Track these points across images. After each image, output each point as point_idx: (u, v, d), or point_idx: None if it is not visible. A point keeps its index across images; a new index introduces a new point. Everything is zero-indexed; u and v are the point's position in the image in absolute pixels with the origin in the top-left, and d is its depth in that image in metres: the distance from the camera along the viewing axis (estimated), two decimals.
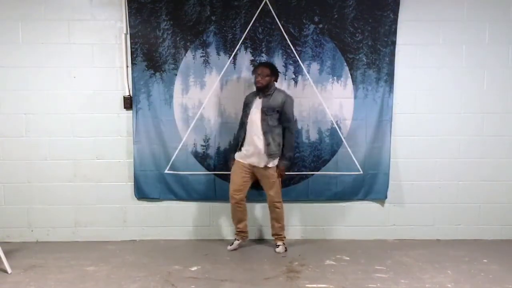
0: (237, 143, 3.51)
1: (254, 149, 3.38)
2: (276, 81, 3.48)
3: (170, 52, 3.67)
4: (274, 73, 3.43)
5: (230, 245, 3.59)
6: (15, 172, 3.76)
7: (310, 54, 3.70)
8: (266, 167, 3.41)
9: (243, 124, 3.49)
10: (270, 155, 3.38)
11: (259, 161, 3.41)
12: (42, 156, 3.75)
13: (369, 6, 3.67)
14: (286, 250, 3.54)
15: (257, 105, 3.41)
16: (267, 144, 3.36)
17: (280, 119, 3.40)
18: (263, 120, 3.37)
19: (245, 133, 3.43)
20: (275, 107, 3.37)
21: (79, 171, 3.79)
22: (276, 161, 3.44)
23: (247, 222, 3.61)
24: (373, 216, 3.89)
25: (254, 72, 3.46)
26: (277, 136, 3.40)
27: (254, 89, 3.48)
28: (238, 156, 3.48)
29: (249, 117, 3.42)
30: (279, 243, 3.58)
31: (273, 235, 3.63)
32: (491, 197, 3.89)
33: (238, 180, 3.46)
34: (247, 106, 3.47)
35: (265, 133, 3.36)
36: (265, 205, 3.59)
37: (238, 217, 3.56)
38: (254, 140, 3.38)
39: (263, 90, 3.39)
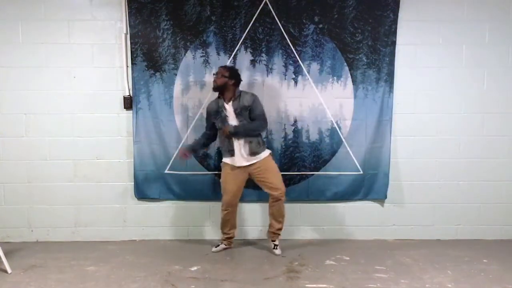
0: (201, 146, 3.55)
1: (238, 151, 3.35)
2: (237, 86, 3.39)
3: (170, 52, 3.67)
4: (233, 77, 3.35)
5: (216, 247, 3.55)
6: (15, 172, 3.76)
7: (310, 54, 3.70)
8: (257, 162, 3.37)
9: (209, 134, 3.50)
10: (252, 153, 3.34)
11: (247, 161, 3.36)
12: (42, 156, 3.76)
13: (369, 6, 3.67)
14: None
15: (228, 111, 3.34)
16: (249, 142, 3.34)
17: (251, 117, 3.36)
18: (240, 121, 3.33)
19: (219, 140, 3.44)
20: (247, 105, 3.34)
21: (79, 171, 3.79)
22: (264, 154, 3.38)
23: (237, 228, 3.61)
24: (373, 216, 3.89)
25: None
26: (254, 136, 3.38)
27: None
28: (228, 161, 3.41)
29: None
30: (276, 242, 3.53)
31: (271, 233, 3.54)
32: (491, 197, 3.89)
33: (232, 188, 3.42)
34: (216, 116, 3.38)
35: None
36: (265, 205, 3.58)
37: (231, 224, 3.55)
38: (236, 144, 3.34)
39: (220, 91, 3.35)
